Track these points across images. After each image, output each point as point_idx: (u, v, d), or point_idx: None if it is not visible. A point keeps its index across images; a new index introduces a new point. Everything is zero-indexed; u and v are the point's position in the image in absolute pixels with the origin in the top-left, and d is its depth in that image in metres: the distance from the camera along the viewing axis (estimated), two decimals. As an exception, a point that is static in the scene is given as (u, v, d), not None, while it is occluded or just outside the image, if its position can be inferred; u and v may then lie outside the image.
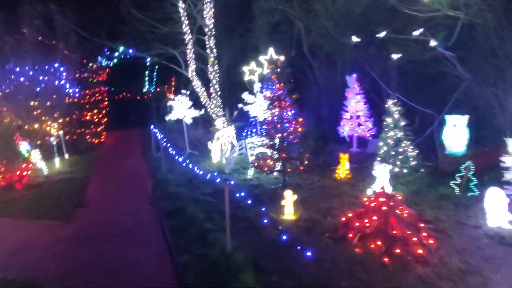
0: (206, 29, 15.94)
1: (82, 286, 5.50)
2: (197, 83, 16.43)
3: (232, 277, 5.26)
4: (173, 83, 19.51)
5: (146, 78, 25.81)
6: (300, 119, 9.03)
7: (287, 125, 9.05)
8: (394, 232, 5.70)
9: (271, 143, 9.21)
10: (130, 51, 16.61)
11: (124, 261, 6.19)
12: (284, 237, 5.94)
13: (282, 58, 9.16)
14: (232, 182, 6.56)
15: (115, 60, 19.84)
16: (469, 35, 11.80)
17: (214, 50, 16.24)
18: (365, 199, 6.41)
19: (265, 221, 6.43)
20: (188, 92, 14.78)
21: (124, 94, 28.43)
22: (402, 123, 9.67)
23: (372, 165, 10.20)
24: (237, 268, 5.50)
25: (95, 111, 18.72)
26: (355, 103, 13.10)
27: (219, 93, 16.54)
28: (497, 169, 9.20)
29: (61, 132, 14.70)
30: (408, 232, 5.68)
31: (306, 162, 9.13)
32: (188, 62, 16.31)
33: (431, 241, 5.65)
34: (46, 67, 13.60)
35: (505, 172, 7.81)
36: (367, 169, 10.48)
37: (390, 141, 9.65)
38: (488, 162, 9.43)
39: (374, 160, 10.42)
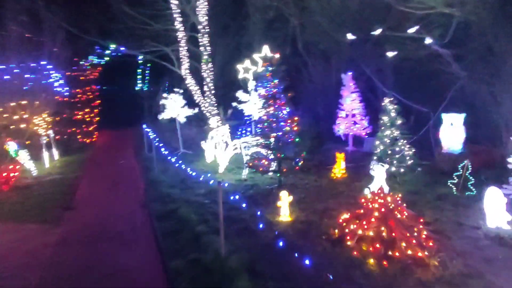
0: (200, 27, 15.65)
1: (69, 294, 5.27)
2: (190, 81, 16.15)
3: (227, 283, 5.08)
4: (166, 81, 19.19)
5: (139, 77, 25.43)
6: (296, 118, 8.84)
7: (282, 124, 8.85)
8: (393, 234, 5.54)
9: (266, 142, 9.01)
10: (122, 48, 16.25)
11: (114, 267, 5.95)
12: (281, 242, 5.72)
13: (277, 55, 8.91)
14: (226, 184, 6.34)
15: (107, 58, 19.45)
16: (464, 32, 11.73)
17: (208, 48, 15.96)
18: (363, 200, 6.23)
19: (261, 225, 6.20)
20: (181, 91, 14.52)
21: (116, 92, 27.98)
22: (399, 122, 9.53)
23: (368, 164, 10.09)
24: (232, 273, 5.31)
25: (87, 110, 18.34)
26: (351, 102, 12.95)
27: (213, 92, 16.28)
28: (494, 168, 9.15)
29: (50, 132, 14.32)
30: (408, 235, 5.52)
31: (301, 162, 8.95)
32: (181, 60, 16.01)
33: (431, 244, 5.50)
34: (33, 64, 13.18)
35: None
36: (363, 168, 10.33)
37: (386, 140, 9.51)
38: (485, 161, 9.37)
39: (370, 159, 10.28)
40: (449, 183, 8.30)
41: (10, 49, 12.22)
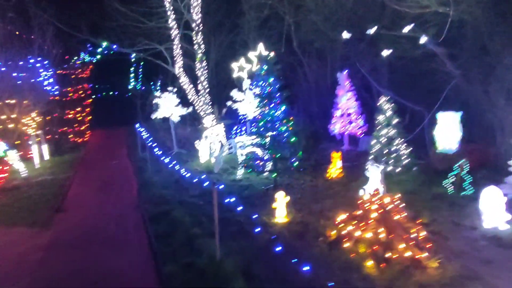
0: (193, 24, 15.42)
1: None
2: (184, 80, 15.92)
3: (222, 287, 4.94)
4: (159, 79, 18.93)
5: (132, 75, 25.09)
6: (291, 118, 8.72)
7: (278, 123, 8.73)
8: (391, 236, 5.46)
9: (261, 142, 8.88)
10: (114, 46, 15.95)
11: (105, 271, 5.78)
12: (277, 244, 5.59)
13: (272, 54, 8.77)
14: (222, 186, 6.19)
15: (99, 56, 19.10)
16: (459, 32, 11.72)
17: (202, 46, 15.74)
18: (360, 201, 6.14)
19: (257, 227, 6.05)
20: (175, 89, 14.31)
21: (108, 91, 27.58)
22: (395, 121, 9.47)
23: (364, 164, 10.02)
24: (227, 277, 5.19)
25: (78, 109, 18.03)
26: (346, 100, 12.87)
27: (207, 90, 16.08)
28: (488, 167, 9.15)
29: (41, 131, 14.02)
30: (406, 236, 5.44)
31: (297, 162, 8.85)
32: (175, 58, 15.78)
33: (429, 245, 5.42)
34: (22, 62, 12.83)
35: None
36: (359, 168, 10.25)
37: (382, 139, 9.45)
38: (479, 160, 9.35)
39: (366, 158, 10.21)
40: (444, 183, 8.25)
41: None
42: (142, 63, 23.42)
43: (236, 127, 14.40)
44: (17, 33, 13.32)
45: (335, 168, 9.82)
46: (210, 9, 17.47)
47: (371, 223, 5.65)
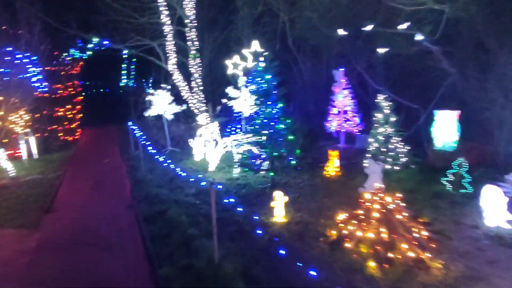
0: (187, 20, 15.11)
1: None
2: (178, 77, 15.62)
3: (221, 291, 4.77)
4: (152, 76, 18.53)
5: (124, 72, 24.60)
6: (289, 115, 8.54)
7: (275, 121, 8.55)
8: (394, 236, 5.34)
9: (258, 140, 8.69)
10: (105, 42, 15.56)
11: (98, 274, 5.55)
12: (278, 246, 5.42)
13: (268, 51, 8.58)
14: (220, 186, 5.99)
15: (89, 52, 18.61)
16: (455, 29, 11.70)
17: (196, 43, 15.44)
18: (361, 200, 6.01)
19: (255, 227, 5.87)
20: (168, 87, 14.02)
21: (100, 88, 27.06)
22: (393, 119, 9.39)
23: (361, 162, 9.92)
24: (226, 280, 5.01)
25: (68, 106, 17.55)
26: (343, 98, 12.76)
27: (201, 88, 15.81)
28: (486, 165, 9.13)
29: (29, 129, 13.59)
30: (409, 236, 5.33)
31: (295, 160, 8.69)
32: (168, 55, 15.45)
33: (432, 245, 5.32)
34: (8, 58, 12.37)
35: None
36: (356, 166, 10.17)
37: (380, 137, 9.35)
38: (478, 158, 9.33)
39: (363, 156, 10.13)
40: (443, 181, 8.19)
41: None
42: (134, 60, 22.98)
43: (230, 124, 14.17)
44: (3, 27, 12.83)
45: (333, 166, 9.70)
46: (204, 5, 17.17)
47: (373, 223, 5.52)
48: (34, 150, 13.61)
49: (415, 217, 5.93)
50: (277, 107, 8.58)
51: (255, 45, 12.71)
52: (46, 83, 15.51)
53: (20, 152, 12.85)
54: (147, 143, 11.27)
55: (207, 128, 12.36)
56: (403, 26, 11.91)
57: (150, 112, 13.62)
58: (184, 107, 14.55)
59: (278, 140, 8.53)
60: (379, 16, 13.17)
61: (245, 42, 17.23)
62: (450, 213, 6.85)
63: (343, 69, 13.08)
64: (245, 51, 13.13)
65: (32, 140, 13.49)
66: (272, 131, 8.53)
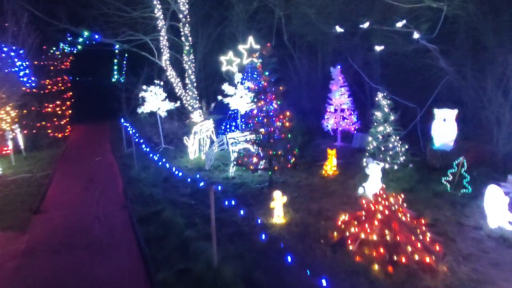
0: (180, 15, 14.78)
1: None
2: (171, 73, 15.30)
3: (221, 296, 4.58)
4: (145, 72, 18.10)
5: (115, 67, 24.04)
6: (288, 113, 8.36)
7: (273, 119, 8.35)
8: (398, 238, 5.21)
9: (256, 139, 8.48)
10: (96, 36, 15.10)
11: (90, 279, 5.29)
12: (282, 250, 5.22)
13: (268, 46, 8.35)
14: (220, 187, 5.78)
15: (80, 47, 18.09)
16: (452, 27, 11.65)
17: (189, 38, 15.13)
18: (364, 201, 5.86)
19: (256, 229, 5.66)
20: (162, 83, 13.68)
21: (91, 84, 26.36)
22: (392, 118, 9.27)
23: (359, 161, 9.81)
24: (226, 285, 4.82)
25: (58, 102, 17.05)
26: (340, 96, 12.62)
27: (195, 84, 15.52)
28: (485, 165, 9.10)
29: (16, 126, 13.12)
30: (413, 238, 5.21)
31: (293, 159, 8.51)
32: (161, 50, 15.11)
33: (437, 247, 5.21)
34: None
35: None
36: (354, 164, 10.06)
37: (379, 136, 9.24)
38: (475, 158, 9.30)
39: (361, 155, 10.02)
40: (443, 181, 8.12)
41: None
42: (126, 55, 22.48)
43: (225, 122, 13.92)
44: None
45: (331, 165, 9.56)
46: (197, 0, 16.82)
47: (377, 225, 5.38)
48: (22, 148, 13.15)
49: (418, 218, 5.81)
50: (276, 104, 8.38)
51: (251, 41, 12.50)
52: (35, 78, 15.00)
53: (7, 150, 12.40)
54: (140, 141, 10.98)
55: (202, 125, 12.11)
56: (400, 24, 11.82)
57: (143, 109, 13.29)
58: (178, 104, 14.25)
59: (277, 138, 8.34)
60: (376, 13, 13.07)
61: (240, 38, 16.96)
62: (451, 214, 6.76)
63: (340, 66, 12.92)
64: (240, 47, 12.89)
65: (20, 137, 13.03)
66: (271, 129, 8.33)
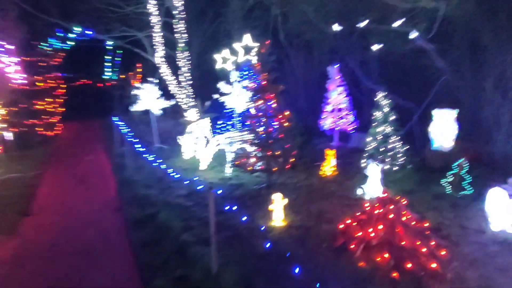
0: (175, 12, 14.45)
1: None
2: (165, 71, 14.97)
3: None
4: (138, 70, 17.73)
5: (108, 64, 23.55)
6: (287, 113, 8.17)
7: (272, 119, 8.15)
8: (403, 242, 5.06)
9: (255, 139, 8.28)
10: (88, 32, 14.72)
11: (83, 286, 5.04)
12: (295, 264, 4.98)
13: (267, 43, 8.14)
14: (220, 191, 5.57)
15: (72, 43, 17.63)
16: (450, 27, 11.59)
17: (184, 35, 14.80)
18: (366, 204, 5.71)
19: (265, 241, 5.43)
20: (157, 81, 13.37)
21: (83, 81, 25.87)
22: (392, 118, 9.15)
23: (357, 161, 9.69)
24: (226, 293, 4.61)
25: (49, 99, 16.59)
26: (337, 95, 12.48)
27: (189, 82, 15.21)
28: (485, 166, 9.03)
29: (5, 124, 12.70)
30: (418, 243, 5.06)
31: (293, 159, 8.33)
32: (155, 47, 14.76)
33: (443, 252, 5.07)
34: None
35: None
36: (352, 165, 9.93)
37: (379, 136, 9.11)
38: (474, 158, 9.23)
39: (358, 155, 9.89)
40: (443, 182, 8.02)
41: None
42: (119, 52, 22.04)
43: (221, 121, 13.67)
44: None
45: (329, 166, 9.41)
46: (192, -4, 16.50)
47: (381, 229, 5.22)
48: (11, 146, 12.74)
49: (421, 221, 5.67)
50: (274, 103, 8.18)
51: (247, 39, 12.25)
52: (24, 75, 14.55)
53: (-5, 149, 12.01)
54: (133, 140, 10.68)
55: (198, 124, 11.85)
56: (398, 24, 11.73)
57: (137, 107, 12.97)
58: (173, 102, 13.97)
59: (276, 138, 8.14)
60: (374, 12, 12.95)
61: (235, 35, 16.70)
62: (453, 216, 6.65)
63: (338, 65, 12.77)
64: (235, 45, 12.64)
65: (9, 136, 12.62)
66: (270, 129, 8.13)
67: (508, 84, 9.34)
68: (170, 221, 6.71)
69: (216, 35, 18.93)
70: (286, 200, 6.66)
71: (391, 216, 5.27)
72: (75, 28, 14.61)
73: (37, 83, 16.07)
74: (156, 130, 13.48)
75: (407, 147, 9.26)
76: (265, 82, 8.07)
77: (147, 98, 12.83)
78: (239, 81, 12.17)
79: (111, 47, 19.04)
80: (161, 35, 14.70)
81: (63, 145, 15.03)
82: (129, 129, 11.93)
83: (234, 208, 5.51)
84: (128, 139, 10.81)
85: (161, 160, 9.98)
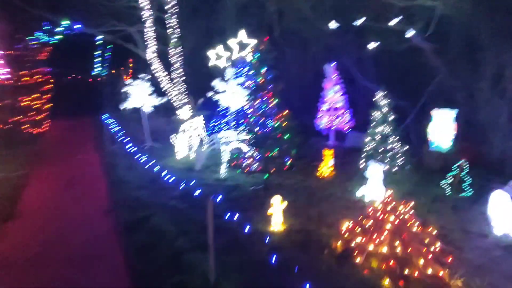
0: (167, 6, 14.06)
1: None
2: (157, 67, 14.57)
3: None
4: (130, 65, 17.25)
5: (98, 59, 22.92)
6: (286, 112, 7.93)
7: (270, 118, 7.91)
8: (409, 250, 4.89)
9: (251, 139, 8.02)
10: (77, 26, 14.19)
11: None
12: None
13: (265, 40, 7.88)
14: (219, 198, 5.30)
15: (59, 37, 17.01)
16: (446, 27, 11.50)
17: (176, 31, 14.43)
18: (370, 209, 5.52)
19: (269, 254, 5.18)
20: (148, 77, 12.95)
21: (72, 76, 25.18)
22: (391, 118, 9.00)
23: (355, 161, 9.53)
24: (225, 303, 4.37)
25: (35, 95, 15.99)
26: (334, 94, 12.29)
27: (182, 79, 14.86)
28: (482, 167, 8.97)
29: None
30: (424, 250, 4.90)
31: (291, 160, 8.11)
32: (147, 43, 14.36)
33: (449, 259, 4.92)
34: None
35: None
36: (349, 164, 9.78)
37: (378, 136, 8.95)
38: (472, 159, 9.15)
39: (356, 155, 9.74)
40: (442, 183, 7.92)
41: None
42: (109, 47, 21.46)
43: (214, 119, 13.35)
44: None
45: (327, 166, 9.22)
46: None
47: (386, 236, 5.04)
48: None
49: (426, 226, 5.51)
50: (272, 102, 7.94)
51: (242, 35, 11.92)
52: (8, 69, 13.95)
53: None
54: (124, 138, 10.31)
55: (192, 123, 11.52)
56: (394, 22, 11.61)
57: (127, 104, 12.55)
58: (165, 99, 13.58)
59: (274, 139, 7.91)
60: (371, 10, 12.80)
61: (229, 32, 16.36)
62: (455, 220, 6.53)
63: (335, 64, 12.58)
64: (230, 42, 12.31)
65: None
66: (268, 129, 7.89)
67: (506, 84, 9.29)
68: (164, 224, 6.44)
69: (210, 32, 18.53)
70: (285, 203, 6.43)
71: (396, 222, 5.09)
72: (63, 22, 14.05)
73: (22, 79, 15.47)
74: (148, 128, 13.08)
75: (406, 148, 9.12)
76: (263, 80, 7.80)
77: (138, 95, 12.42)
78: (234, 79, 11.86)
79: (101, 42, 18.47)
80: (153, 30, 14.31)
81: (50, 144, 14.50)
82: (120, 127, 11.54)
83: (235, 217, 5.24)
84: (119, 139, 10.43)
85: (154, 161, 9.66)
